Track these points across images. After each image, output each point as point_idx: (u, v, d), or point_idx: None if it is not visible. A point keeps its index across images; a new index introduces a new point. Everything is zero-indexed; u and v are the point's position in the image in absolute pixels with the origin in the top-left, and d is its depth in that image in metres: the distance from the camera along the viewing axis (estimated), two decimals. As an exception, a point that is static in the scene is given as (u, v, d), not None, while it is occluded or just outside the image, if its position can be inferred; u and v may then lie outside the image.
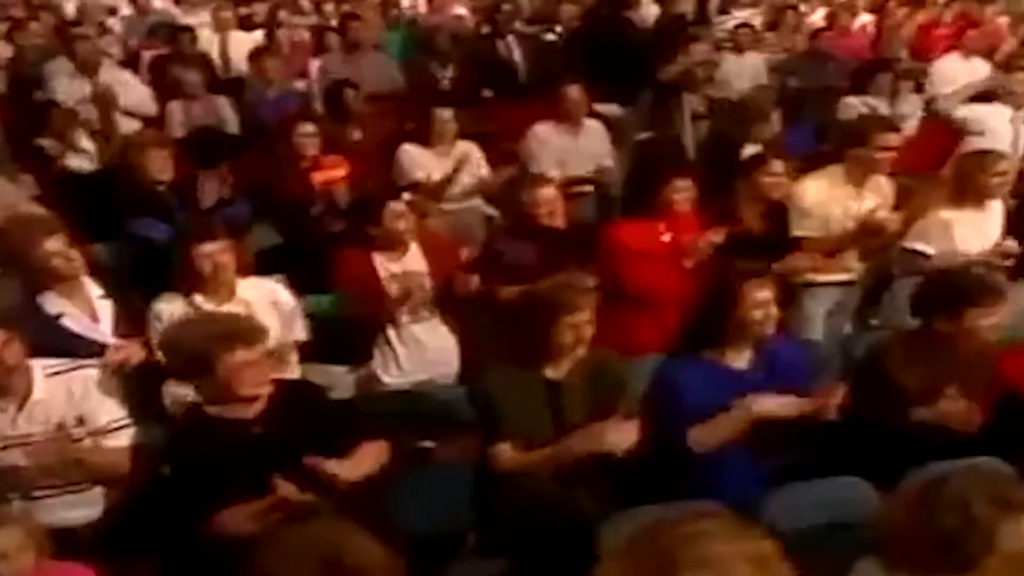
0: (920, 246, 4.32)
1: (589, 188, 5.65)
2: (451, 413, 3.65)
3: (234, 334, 2.79)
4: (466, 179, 5.43)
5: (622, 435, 2.85)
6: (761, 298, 3.08)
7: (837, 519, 2.85)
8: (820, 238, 4.45)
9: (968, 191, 4.35)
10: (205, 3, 9.30)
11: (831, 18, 9.05)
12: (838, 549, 2.38)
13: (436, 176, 5.34)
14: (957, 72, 7.01)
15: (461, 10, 10.02)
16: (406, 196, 4.67)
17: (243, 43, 8.15)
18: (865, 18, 9.58)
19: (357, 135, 6.07)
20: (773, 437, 3.01)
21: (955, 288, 3.37)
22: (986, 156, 4.54)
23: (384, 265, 4.07)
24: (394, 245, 4.07)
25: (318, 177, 5.22)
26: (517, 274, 3.99)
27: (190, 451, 2.82)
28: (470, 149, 5.51)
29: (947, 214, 4.34)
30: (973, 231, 4.33)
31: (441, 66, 7.49)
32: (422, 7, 10.35)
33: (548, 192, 4.28)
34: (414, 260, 4.10)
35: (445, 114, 5.45)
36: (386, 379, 4.11)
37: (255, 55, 7.16)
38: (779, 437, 3.01)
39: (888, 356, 3.23)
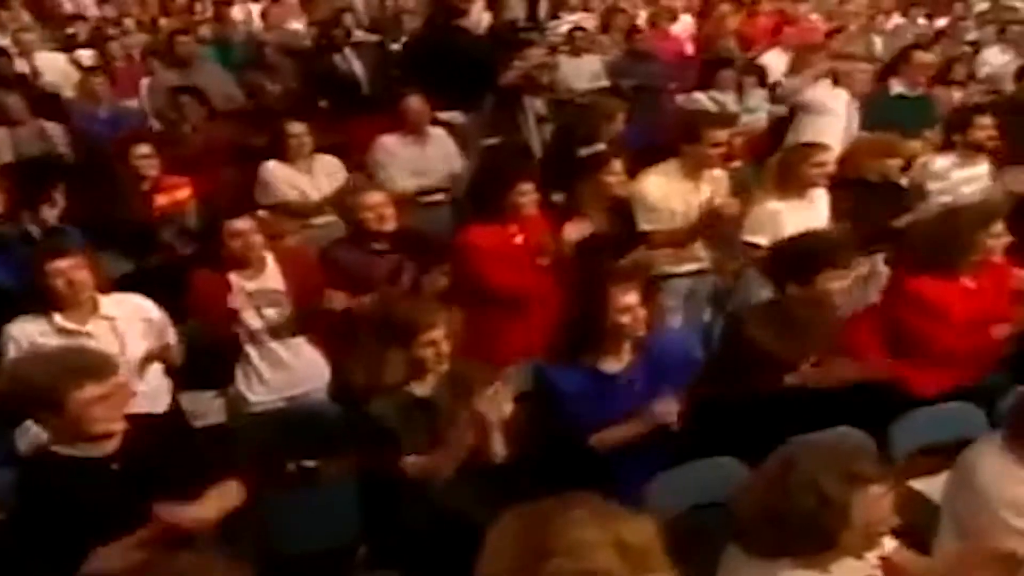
0: (754, 238, 4.46)
1: (442, 197, 5.66)
2: (328, 431, 3.57)
3: (82, 368, 2.60)
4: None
5: (496, 409, 2.84)
6: (628, 302, 3.13)
7: (713, 499, 2.93)
8: (666, 230, 4.58)
9: (791, 181, 4.54)
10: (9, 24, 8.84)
11: (652, 19, 9.34)
12: (714, 528, 2.43)
13: (307, 190, 5.30)
14: (780, 66, 7.35)
15: (297, 24, 9.85)
16: (262, 213, 4.52)
17: (53, 64, 7.76)
18: (686, 19, 9.93)
19: (198, 145, 5.89)
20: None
21: (806, 253, 3.51)
22: (807, 148, 4.76)
23: (240, 284, 3.94)
24: (248, 263, 3.94)
25: (161, 200, 5.05)
26: (362, 284, 3.98)
27: (40, 496, 2.59)
28: (332, 162, 5.44)
29: (774, 205, 4.50)
30: (801, 220, 4.45)
31: (272, 81, 7.34)
32: (256, 22, 10.09)
33: (375, 197, 4.24)
34: (272, 278, 3.99)
35: (297, 128, 5.35)
36: (252, 398, 4.00)
37: (83, 75, 6.83)
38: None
39: (748, 326, 3.32)
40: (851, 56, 6.58)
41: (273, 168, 5.36)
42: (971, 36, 9.60)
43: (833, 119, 5.93)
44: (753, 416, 2.99)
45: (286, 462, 3.54)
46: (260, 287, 3.96)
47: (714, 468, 3.06)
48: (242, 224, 3.91)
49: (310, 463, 3.68)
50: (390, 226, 4.20)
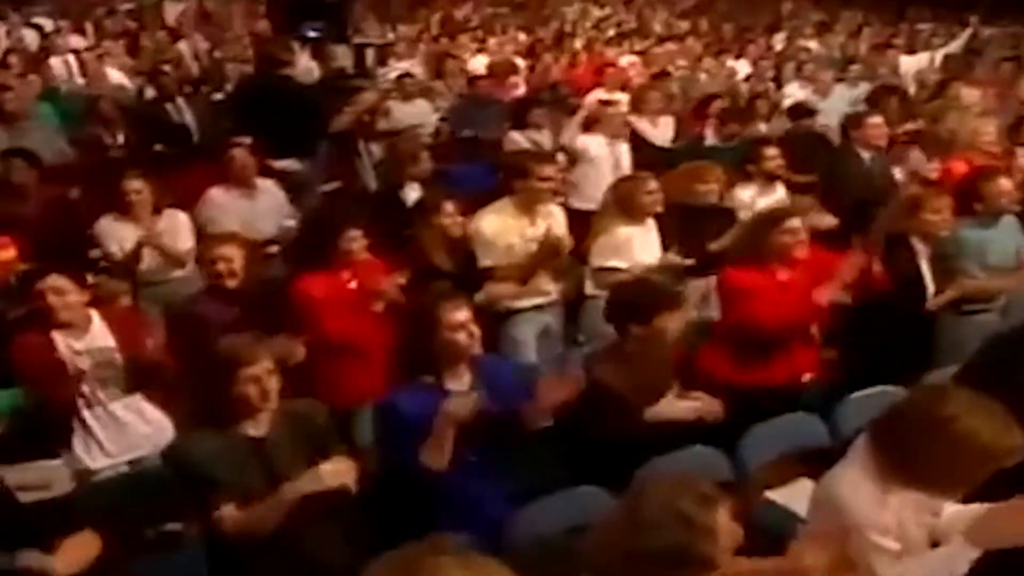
0: (611, 263, 4.73)
1: (275, 248, 5.56)
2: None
3: None
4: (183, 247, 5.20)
5: (339, 474, 2.79)
6: (460, 319, 3.14)
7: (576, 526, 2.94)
8: (508, 266, 4.66)
9: (632, 210, 4.83)
10: None
11: (490, 69, 9.52)
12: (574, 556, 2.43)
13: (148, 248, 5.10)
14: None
15: (118, 75, 9.50)
16: (90, 279, 4.27)
17: None
18: (520, 63, 10.16)
19: (29, 209, 5.57)
20: (519, 458, 3.09)
21: (643, 296, 3.69)
22: (639, 179, 5.04)
23: (67, 344, 3.73)
24: (72, 322, 3.74)
25: (-15, 262, 4.72)
26: (214, 339, 3.79)
27: None
28: (177, 217, 5.27)
29: (624, 231, 4.79)
30: (644, 245, 4.82)
31: (110, 134, 7.05)
32: (76, 76, 9.66)
33: (224, 249, 4.16)
34: (100, 336, 3.80)
35: (136, 183, 5.15)
36: (92, 464, 3.80)
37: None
38: (525, 457, 3.09)
39: (598, 370, 3.38)
40: (610, 103, 6.95)
41: (105, 224, 5.14)
42: (771, 73, 10.22)
43: (596, 165, 6.27)
44: (610, 448, 3.05)
45: (140, 529, 3.34)
46: (89, 346, 3.76)
47: (578, 498, 3.08)
48: (59, 281, 3.71)
49: (173, 526, 3.49)
50: (238, 280, 4.12)
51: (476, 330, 3.17)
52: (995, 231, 4.81)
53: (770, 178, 5.69)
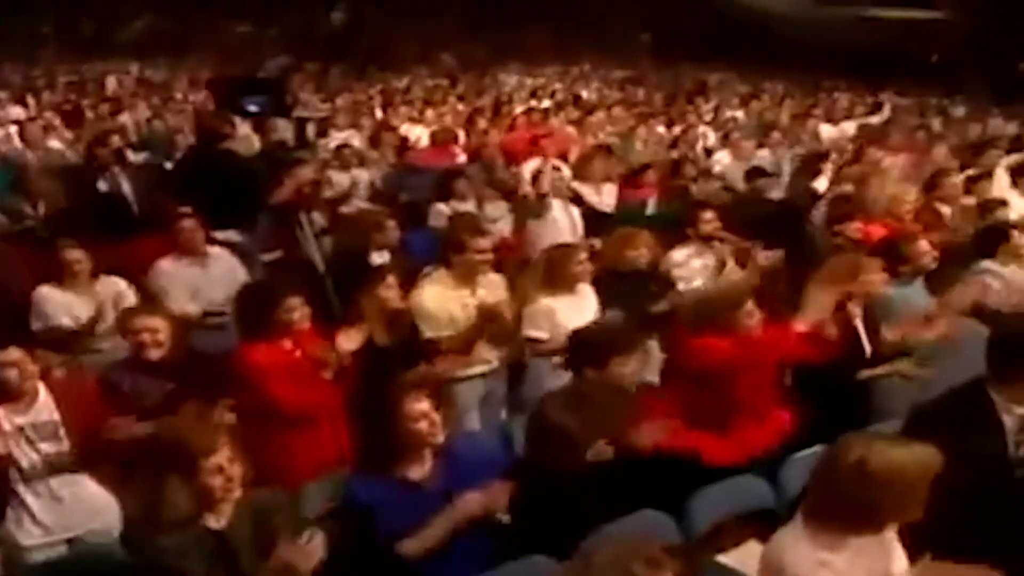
0: (534, 333, 4.69)
1: (226, 318, 5.35)
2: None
3: None
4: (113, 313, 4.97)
5: (307, 558, 2.68)
6: (420, 409, 3.11)
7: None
8: (449, 336, 4.64)
9: (560, 279, 4.80)
10: None
11: (433, 135, 9.60)
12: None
13: (84, 316, 4.93)
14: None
15: (57, 143, 9.37)
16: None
17: None
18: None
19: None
20: (481, 525, 3.06)
21: (598, 340, 3.73)
22: (569, 248, 5.08)
23: (8, 419, 3.62)
24: (19, 395, 3.63)
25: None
26: (141, 410, 3.77)
27: None
28: (117, 284, 5.13)
29: (548, 301, 4.74)
30: (573, 312, 4.71)
31: (32, 205, 6.88)
32: (16, 142, 9.50)
33: (149, 320, 4.08)
34: (45, 409, 3.69)
35: (75, 253, 5.01)
36: (25, 542, 3.65)
37: None
38: (485, 524, 3.06)
39: (549, 411, 3.36)
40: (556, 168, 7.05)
41: (48, 294, 4.99)
42: (701, 142, 10.48)
43: (555, 227, 6.35)
44: (560, 505, 3.01)
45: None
46: (32, 420, 3.65)
47: (527, 568, 3.05)
48: (13, 354, 3.62)
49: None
50: (164, 351, 4.01)
51: (437, 418, 3.14)
52: (911, 290, 4.95)
53: (706, 240, 5.77)
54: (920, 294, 4.99)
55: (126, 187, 7.30)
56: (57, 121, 10.69)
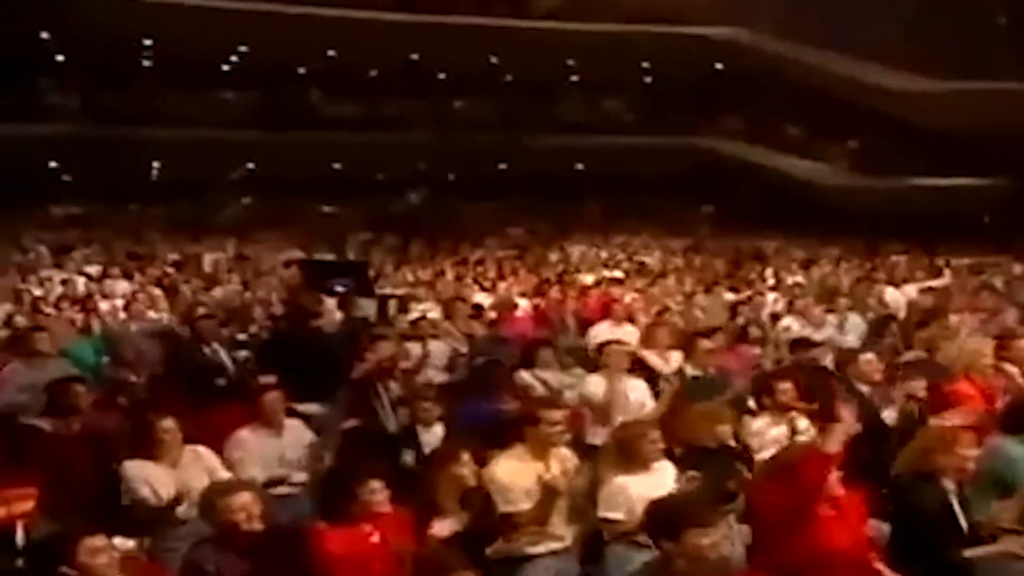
0: (610, 514, 4.39)
1: (297, 489, 5.23)
2: None
3: None
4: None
5: None
6: None
7: None
8: (525, 511, 4.37)
9: (633, 458, 4.52)
10: None
11: (494, 308, 9.53)
12: None
13: (172, 487, 4.65)
14: (609, 335, 7.55)
15: (156, 316, 9.53)
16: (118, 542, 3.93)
17: None
18: (523, 303, 10.19)
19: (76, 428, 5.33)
20: None
21: (672, 512, 3.59)
22: (641, 426, 4.78)
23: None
24: None
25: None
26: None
27: None
28: (206, 457, 4.92)
29: (622, 480, 4.44)
30: (649, 490, 4.36)
31: (131, 374, 6.89)
32: (120, 314, 9.71)
33: (244, 497, 3.89)
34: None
35: (167, 423, 4.80)
36: None
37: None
38: None
39: None
40: (618, 342, 6.88)
41: (135, 468, 4.74)
42: (768, 308, 10.20)
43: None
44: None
45: None
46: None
47: None
48: (96, 542, 3.45)
49: None
50: (258, 525, 3.84)
51: None
52: None
53: (784, 409, 5.50)
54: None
55: (224, 358, 7.35)
56: (157, 292, 10.95)
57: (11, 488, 4.43)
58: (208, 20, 21.05)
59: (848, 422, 4.90)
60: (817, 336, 8.15)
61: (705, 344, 6.85)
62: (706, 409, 5.30)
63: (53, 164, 24.05)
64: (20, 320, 9.15)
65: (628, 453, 4.54)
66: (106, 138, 21.71)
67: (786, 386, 5.58)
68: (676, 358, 7.16)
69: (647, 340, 7.36)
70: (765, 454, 5.21)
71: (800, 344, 7.35)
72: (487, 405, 6.12)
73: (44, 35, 21.90)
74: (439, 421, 5.81)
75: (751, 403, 5.81)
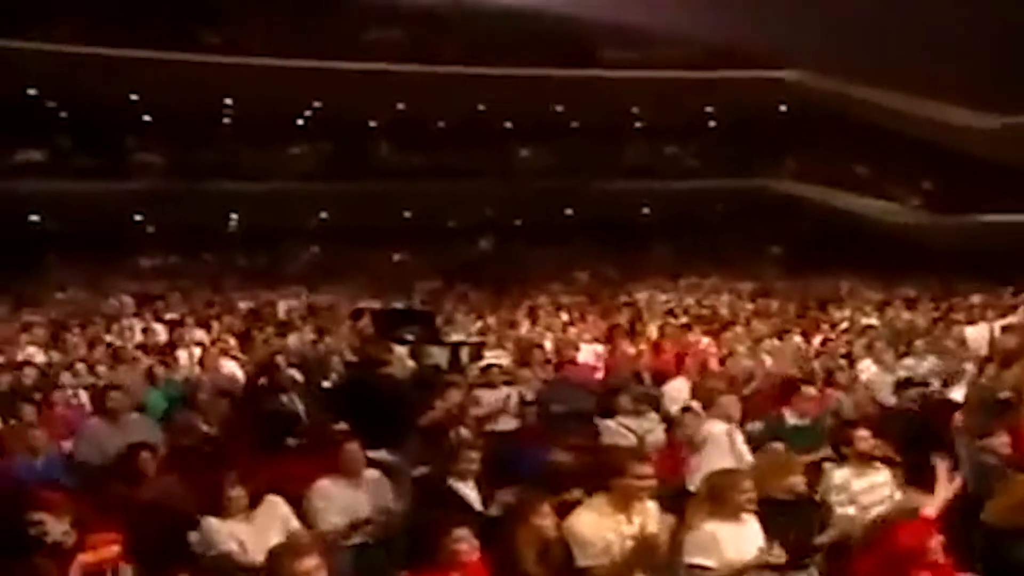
0: (698, 560, 4.25)
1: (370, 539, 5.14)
2: None
3: None
4: (275, 538, 4.65)
5: None
6: None
7: None
8: (606, 565, 4.23)
9: (724, 506, 4.39)
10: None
11: (557, 351, 9.41)
12: None
13: (249, 541, 4.64)
14: (683, 391, 7.53)
15: (232, 366, 9.64)
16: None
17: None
18: (587, 348, 10.05)
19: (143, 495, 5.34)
20: None
21: None
22: (735, 474, 4.65)
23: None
24: None
25: (85, 558, 4.36)
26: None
27: None
28: (280, 508, 4.91)
29: (711, 527, 4.32)
30: (738, 540, 4.31)
31: (206, 423, 6.93)
32: (195, 363, 9.83)
33: (311, 563, 3.71)
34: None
35: (235, 490, 4.79)
36: None
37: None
38: None
39: None
40: (715, 389, 6.73)
41: (212, 524, 4.75)
42: (842, 350, 9.90)
43: (715, 447, 5.94)
44: None
45: None
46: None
47: None
48: None
49: None
50: None
51: None
52: None
53: (868, 459, 5.28)
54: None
55: (299, 407, 7.38)
56: (232, 341, 11.07)
57: (98, 533, 4.50)
58: (283, 78, 21.68)
59: (953, 484, 4.70)
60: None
61: (809, 391, 6.67)
62: (778, 460, 5.13)
63: (138, 217, 24.83)
64: (101, 370, 9.32)
65: (719, 501, 4.41)
66: (187, 192, 22.41)
67: (864, 433, 5.36)
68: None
69: (696, 394, 7.19)
70: (848, 510, 5.06)
71: (905, 385, 7.14)
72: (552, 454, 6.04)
73: (133, 97, 22.75)
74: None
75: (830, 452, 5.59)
